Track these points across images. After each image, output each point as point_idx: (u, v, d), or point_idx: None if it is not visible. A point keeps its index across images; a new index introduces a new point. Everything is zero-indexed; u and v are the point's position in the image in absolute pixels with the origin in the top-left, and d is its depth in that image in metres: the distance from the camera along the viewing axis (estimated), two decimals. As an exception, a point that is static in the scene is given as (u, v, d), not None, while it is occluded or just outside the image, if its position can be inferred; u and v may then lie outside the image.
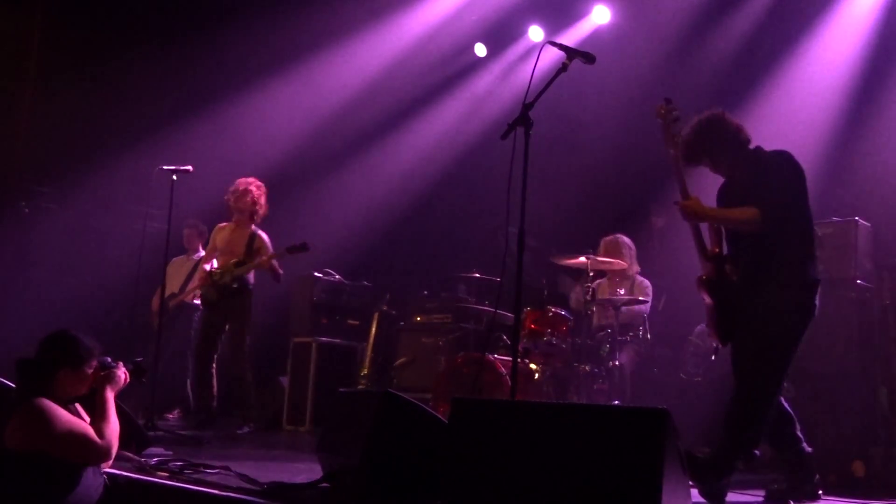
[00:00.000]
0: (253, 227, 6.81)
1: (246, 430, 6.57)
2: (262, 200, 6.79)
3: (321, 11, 8.52)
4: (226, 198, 6.81)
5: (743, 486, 4.29)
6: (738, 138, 4.09)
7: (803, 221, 3.95)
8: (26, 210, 8.02)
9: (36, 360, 3.36)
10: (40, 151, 8.11)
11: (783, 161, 3.97)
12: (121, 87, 8.39)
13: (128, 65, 8.43)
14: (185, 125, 8.33)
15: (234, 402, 6.77)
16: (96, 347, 3.50)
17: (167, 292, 7.31)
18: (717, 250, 4.03)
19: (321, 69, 8.78)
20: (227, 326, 6.74)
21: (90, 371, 3.44)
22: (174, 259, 7.90)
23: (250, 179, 6.81)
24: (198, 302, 7.75)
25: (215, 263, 6.92)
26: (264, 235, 6.83)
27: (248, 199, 6.69)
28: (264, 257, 6.66)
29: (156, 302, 7.44)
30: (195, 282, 7.47)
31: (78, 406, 3.46)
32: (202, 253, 7.68)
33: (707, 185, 4.31)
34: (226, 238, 6.84)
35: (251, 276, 6.81)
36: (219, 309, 6.72)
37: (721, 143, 4.08)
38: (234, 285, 6.64)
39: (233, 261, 6.70)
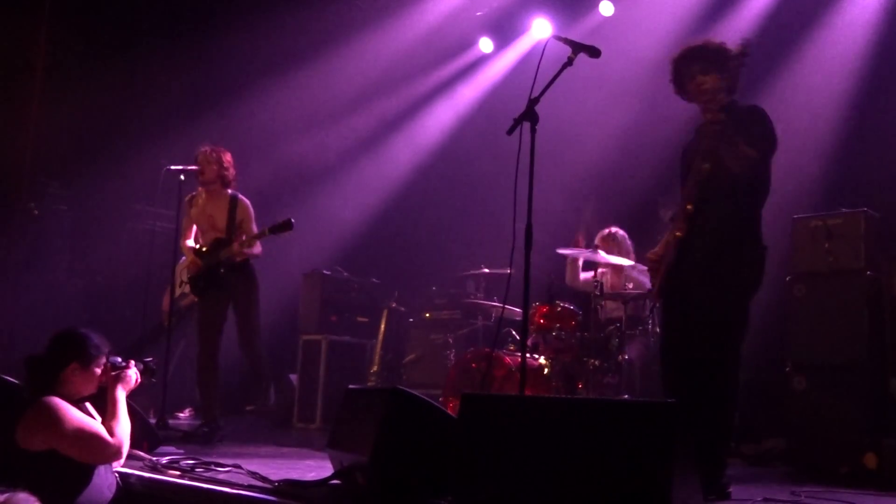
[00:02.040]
0: (229, 191, 6.08)
1: (251, 407, 6.13)
2: (229, 159, 6.05)
3: (327, 8, 8.52)
4: (195, 170, 6.04)
5: (751, 480, 4.28)
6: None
7: (766, 189, 3.94)
8: (36, 211, 8.05)
9: (45, 357, 3.38)
10: (49, 152, 8.13)
11: (771, 122, 3.95)
12: (129, 87, 8.41)
13: (135, 65, 8.45)
14: (192, 124, 8.34)
15: (251, 377, 6.17)
16: (105, 346, 3.51)
17: (177, 292, 7.34)
18: (690, 208, 3.96)
19: (328, 65, 8.78)
20: (230, 308, 6.01)
21: (99, 370, 3.46)
22: (184, 258, 7.93)
23: (207, 147, 6.10)
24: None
25: (191, 244, 6.23)
26: (246, 201, 6.10)
27: (213, 164, 5.99)
28: (245, 239, 5.93)
29: (166, 301, 7.46)
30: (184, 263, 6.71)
31: (88, 405, 3.47)
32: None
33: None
34: (200, 209, 6.11)
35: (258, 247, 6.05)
36: (213, 292, 6.01)
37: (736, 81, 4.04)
38: (225, 268, 5.94)
39: (215, 238, 6.04)
